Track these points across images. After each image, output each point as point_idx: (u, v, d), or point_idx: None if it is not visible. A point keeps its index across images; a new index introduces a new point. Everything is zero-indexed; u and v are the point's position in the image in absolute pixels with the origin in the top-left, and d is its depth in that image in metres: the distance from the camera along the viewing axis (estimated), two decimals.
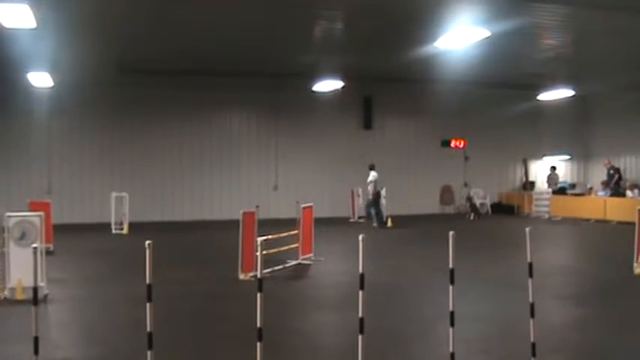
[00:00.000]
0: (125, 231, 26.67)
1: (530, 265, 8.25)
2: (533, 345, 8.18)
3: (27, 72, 25.56)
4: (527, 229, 8.21)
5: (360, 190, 32.83)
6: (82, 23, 20.52)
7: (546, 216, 34.73)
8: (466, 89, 33.88)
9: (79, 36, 22.02)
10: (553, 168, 38.03)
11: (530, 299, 8.15)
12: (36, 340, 6.70)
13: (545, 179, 38.21)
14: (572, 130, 39.68)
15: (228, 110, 34.44)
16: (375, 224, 29.22)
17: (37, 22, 16.74)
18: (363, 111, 36.21)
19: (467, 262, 14.86)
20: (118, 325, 11.52)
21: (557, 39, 23.70)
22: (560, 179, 39.05)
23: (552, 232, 28.56)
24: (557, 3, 18.57)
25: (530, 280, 8.22)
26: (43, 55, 23.65)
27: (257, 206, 17.66)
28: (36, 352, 6.72)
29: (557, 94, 33.21)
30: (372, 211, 29.75)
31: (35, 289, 6.80)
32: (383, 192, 30.67)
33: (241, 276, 15.51)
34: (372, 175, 29.38)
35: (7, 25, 16.83)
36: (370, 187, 29.49)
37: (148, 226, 27.19)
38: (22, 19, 16.14)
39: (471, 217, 34.63)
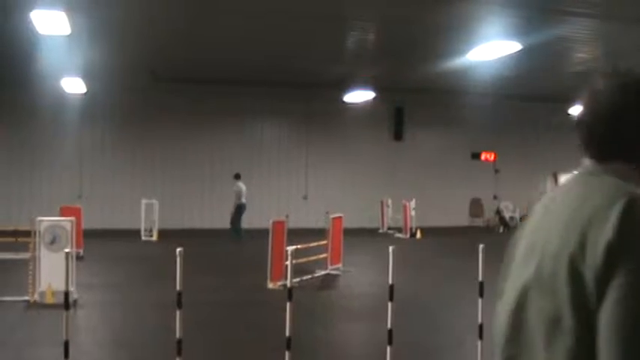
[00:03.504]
0: (155, 238, 26.78)
1: None
2: None
3: (61, 78, 25.75)
4: None
5: (390, 200, 32.82)
6: (116, 30, 20.66)
7: None
8: (497, 102, 33.75)
9: (112, 43, 22.18)
10: None
11: None
12: (66, 344, 6.76)
13: None
14: None
15: (260, 119, 34.52)
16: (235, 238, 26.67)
17: (72, 29, 16.88)
18: (393, 122, 36.17)
19: (496, 276, 14.82)
20: (147, 331, 11.58)
21: (589, 53, 23.60)
22: None
23: None
24: (589, 17, 18.51)
25: None
26: (76, 62, 23.82)
27: (287, 215, 17.71)
28: (66, 355, 6.77)
29: None
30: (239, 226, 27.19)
31: (66, 294, 6.86)
32: (412, 204, 30.62)
33: (270, 285, 15.54)
34: (238, 186, 27.28)
35: (42, 31, 16.98)
36: (242, 199, 27.11)
37: (177, 234, 27.26)
38: (57, 25, 16.28)
39: (501, 230, 34.48)
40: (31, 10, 15.48)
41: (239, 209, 26.91)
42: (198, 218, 31.91)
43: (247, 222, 31.67)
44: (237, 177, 27.49)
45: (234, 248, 25.10)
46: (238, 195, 27.00)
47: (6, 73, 26.15)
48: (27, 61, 23.47)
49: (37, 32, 17.27)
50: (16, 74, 26.15)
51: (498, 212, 35.68)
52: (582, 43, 21.97)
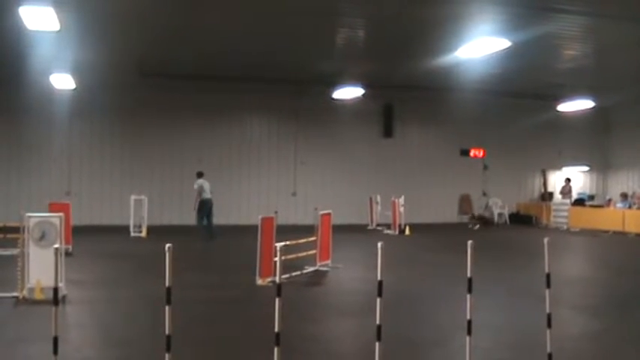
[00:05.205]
0: (144, 234, 26.74)
1: (548, 275, 8.24)
2: (550, 355, 8.17)
3: (49, 74, 25.69)
4: (545, 240, 8.20)
5: (379, 197, 32.84)
6: (105, 26, 20.64)
7: (564, 227, 34.59)
8: (486, 99, 33.83)
9: (101, 39, 22.14)
10: (568, 180, 37.84)
11: (547, 309, 8.14)
12: (55, 340, 6.74)
13: (559, 190, 38.04)
14: (591, 142, 39.61)
15: (249, 115, 34.49)
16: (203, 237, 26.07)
17: (61, 25, 16.85)
18: (383, 119, 36.19)
19: (485, 272, 14.87)
20: (136, 327, 11.56)
21: (578, 50, 23.67)
22: (579, 190, 38.95)
23: (570, 243, 28.44)
24: (578, 14, 18.56)
25: (547, 291, 8.21)
26: (65, 58, 23.78)
27: (276, 212, 17.70)
28: (55, 352, 6.76)
29: (578, 105, 33.14)
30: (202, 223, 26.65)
31: (55, 290, 6.85)
32: (401, 200, 30.65)
33: (259, 281, 15.53)
34: (198, 183, 26.60)
35: (31, 27, 16.95)
36: (205, 194, 26.50)
37: (166, 230, 27.21)
38: (46, 21, 16.26)
39: (475, 227, 34.50)
40: (19, 6, 15.46)
41: (203, 205, 26.46)
42: (187, 215, 31.77)
43: (237, 218, 31.74)
44: (200, 175, 26.94)
45: (222, 245, 25.06)
46: (199, 192, 26.45)
47: None
48: (15, 57, 23.42)
49: (25, 28, 17.25)
50: (4, 70, 26.08)
51: (472, 214, 35.57)
52: (571, 40, 22.04)
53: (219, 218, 27.65)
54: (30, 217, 13.50)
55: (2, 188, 30.24)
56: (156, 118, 32.42)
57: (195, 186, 26.56)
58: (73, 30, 19.67)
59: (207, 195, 26.39)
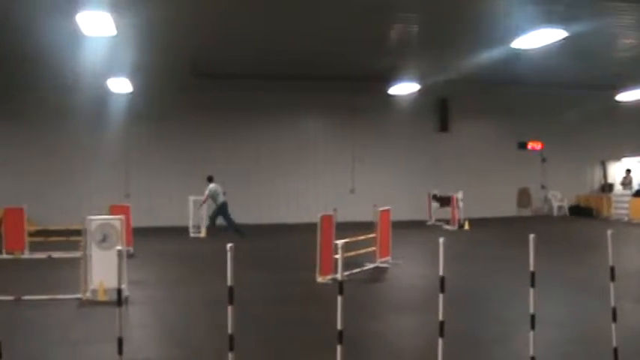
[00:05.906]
0: (203, 234, 26.92)
1: (612, 268, 8.13)
2: (615, 350, 8.07)
3: (106, 78, 25.94)
4: (609, 232, 8.09)
5: (438, 192, 32.70)
6: (159, 29, 20.77)
7: (625, 219, 34.15)
8: (543, 90, 33.43)
9: (155, 42, 22.29)
10: (628, 171, 37.31)
11: (612, 303, 8.04)
12: (120, 340, 6.81)
13: (620, 181, 37.58)
14: None
15: (305, 113, 34.55)
16: (230, 232, 25.74)
17: (117, 30, 17.00)
18: (439, 113, 36.07)
19: (546, 266, 14.73)
20: (198, 326, 11.65)
21: (637, 38, 23.31)
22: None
23: (632, 235, 28.08)
24: (635, 1, 18.29)
25: (612, 284, 8.10)
26: (122, 62, 23.99)
27: (335, 209, 17.69)
28: (120, 352, 6.83)
29: (637, 94, 32.64)
30: (217, 222, 27.08)
31: (119, 291, 6.93)
32: (460, 195, 30.49)
33: (319, 279, 15.55)
34: (211, 189, 26.98)
35: (87, 33, 17.11)
36: (221, 198, 27.13)
37: (224, 230, 27.38)
38: (103, 26, 16.40)
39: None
40: (76, 13, 15.61)
41: (222, 208, 26.82)
42: (246, 214, 31.85)
43: (295, 216, 31.80)
44: (210, 179, 27.30)
45: (281, 243, 25.16)
46: (214, 197, 26.85)
47: (52, 75, 26.42)
48: (73, 63, 23.67)
49: (82, 34, 17.41)
50: (62, 76, 26.39)
51: (434, 195, 34.62)
52: (629, 28, 21.70)
53: (274, 217, 27.58)
54: (91, 219, 13.68)
55: (63, 192, 30.64)
56: (212, 118, 32.61)
57: (207, 192, 26.87)
58: (129, 34, 19.83)
59: (222, 198, 26.91)
